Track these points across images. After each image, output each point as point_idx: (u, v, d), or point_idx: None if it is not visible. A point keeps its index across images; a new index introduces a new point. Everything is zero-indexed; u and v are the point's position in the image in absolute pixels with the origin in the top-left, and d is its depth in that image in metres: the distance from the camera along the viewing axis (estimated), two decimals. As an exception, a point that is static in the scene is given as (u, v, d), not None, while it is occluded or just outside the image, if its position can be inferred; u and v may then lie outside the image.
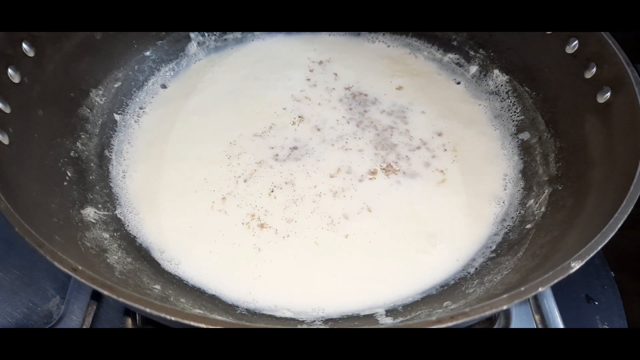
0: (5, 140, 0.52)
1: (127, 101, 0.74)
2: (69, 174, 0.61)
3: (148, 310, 0.38)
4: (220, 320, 0.38)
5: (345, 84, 0.79)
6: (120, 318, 0.62)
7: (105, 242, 0.58)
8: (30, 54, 0.59)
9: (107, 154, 0.69)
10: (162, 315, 0.38)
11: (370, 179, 0.67)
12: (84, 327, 0.62)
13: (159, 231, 0.62)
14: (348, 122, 0.74)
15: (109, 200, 0.64)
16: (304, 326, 0.54)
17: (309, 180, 0.67)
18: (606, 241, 0.44)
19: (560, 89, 0.67)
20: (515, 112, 0.73)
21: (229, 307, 0.56)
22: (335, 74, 0.81)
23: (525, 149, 0.70)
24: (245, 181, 0.66)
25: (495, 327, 0.62)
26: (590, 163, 0.59)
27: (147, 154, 0.70)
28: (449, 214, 0.64)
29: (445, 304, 0.54)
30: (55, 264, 0.41)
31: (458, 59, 0.81)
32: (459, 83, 0.80)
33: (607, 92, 0.58)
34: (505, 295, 0.40)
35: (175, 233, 0.62)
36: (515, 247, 0.59)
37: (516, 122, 0.73)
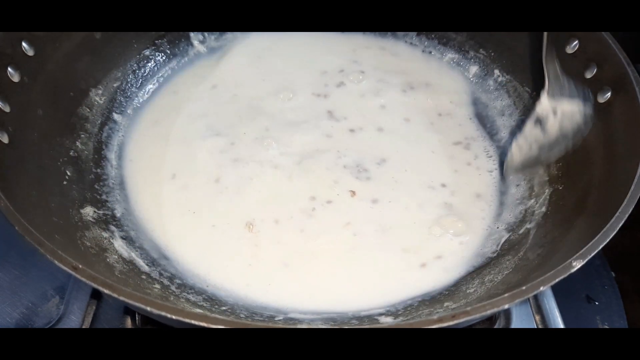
0: (5, 139, 0.52)
1: (126, 101, 0.74)
2: (69, 174, 0.61)
3: (149, 309, 0.38)
4: (221, 319, 0.38)
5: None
6: (120, 318, 0.62)
7: (105, 241, 0.57)
8: (30, 53, 0.59)
9: (107, 153, 0.69)
10: (163, 314, 0.38)
11: (368, 177, 0.67)
12: (84, 327, 0.62)
13: (158, 231, 0.62)
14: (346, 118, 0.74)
15: (108, 199, 0.64)
16: (304, 326, 0.54)
17: (311, 180, 0.66)
18: (607, 240, 0.44)
19: (560, 89, 0.67)
20: (515, 112, 0.73)
21: (228, 307, 0.56)
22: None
23: (526, 149, 0.70)
24: (247, 182, 0.66)
25: (495, 327, 0.62)
26: (591, 163, 0.59)
27: (146, 153, 0.70)
28: (451, 213, 0.64)
29: (446, 304, 0.54)
30: (56, 262, 0.41)
31: (458, 59, 0.81)
32: (459, 83, 0.80)
33: (608, 92, 0.59)
34: (506, 294, 0.40)
35: (174, 233, 0.62)
36: (516, 247, 0.59)
37: (517, 123, 0.72)
